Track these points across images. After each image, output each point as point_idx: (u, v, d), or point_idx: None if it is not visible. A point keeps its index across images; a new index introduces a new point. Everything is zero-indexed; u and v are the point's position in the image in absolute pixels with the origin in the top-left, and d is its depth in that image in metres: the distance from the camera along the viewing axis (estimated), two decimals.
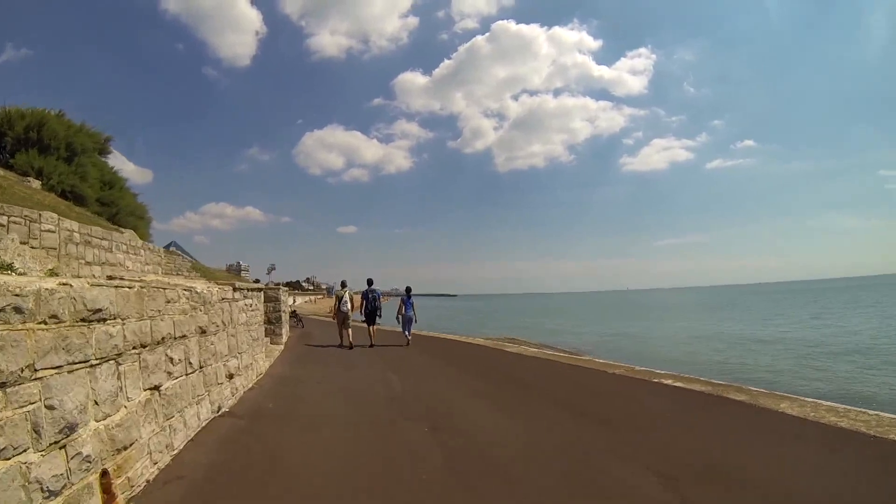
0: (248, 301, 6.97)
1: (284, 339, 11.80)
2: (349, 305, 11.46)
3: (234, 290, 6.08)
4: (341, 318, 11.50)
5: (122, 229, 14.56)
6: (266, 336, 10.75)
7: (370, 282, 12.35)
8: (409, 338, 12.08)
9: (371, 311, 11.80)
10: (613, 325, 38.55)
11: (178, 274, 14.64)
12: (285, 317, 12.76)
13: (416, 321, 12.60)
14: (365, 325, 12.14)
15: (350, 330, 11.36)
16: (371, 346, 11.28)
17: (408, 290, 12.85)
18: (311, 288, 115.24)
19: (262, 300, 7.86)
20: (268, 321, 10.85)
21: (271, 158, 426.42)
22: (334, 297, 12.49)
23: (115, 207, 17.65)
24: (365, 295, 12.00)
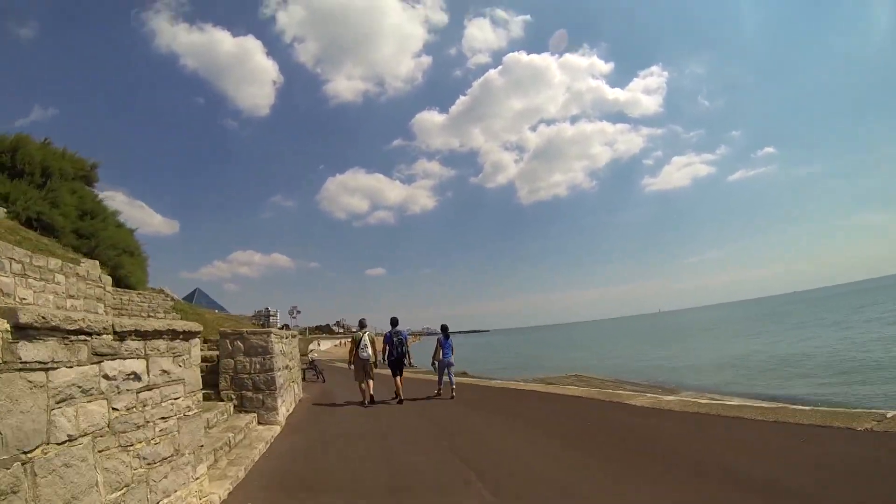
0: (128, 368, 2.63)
1: (284, 412, 7.36)
2: (369, 350, 9.12)
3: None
4: (360, 365, 9.07)
5: (83, 260, 10.91)
6: (247, 412, 6.36)
7: (394, 321, 9.79)
8: (454, 387, 9.67)
9: (397, 357, 9.49)
10: (675, 348, 36.29)
11: (149, 315, 10.95)
12: (290, 374, 8.45)
13: (454, 366, 10.08)
14: (389, 372, 9.75)
15: (371, 381, 9.12)
16: (399, 401, 9.09)
17: (444, 328, 10.21)
18: (342, 331, 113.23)
19: (192, 364, 3.20)
20: (243, 387, 6.56)
21: (295, 205, 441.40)
22: (350, 340, 9.61)
23: (94, 240, 14.27)
24: (388, 338, 9.66)
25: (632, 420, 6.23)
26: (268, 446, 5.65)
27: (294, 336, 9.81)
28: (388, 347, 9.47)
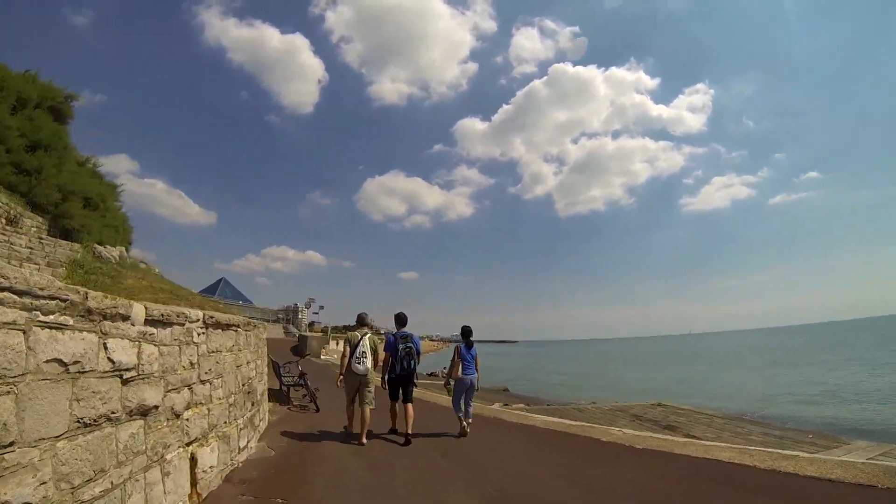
0: None
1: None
2: (368, 361, 5.84)
3: None
4: (354, 383, 5.85)
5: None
6: None
7: (401, 319, 6.30)
8: (469, 420, 6.44)
9: (404, 375, 6.06)
10: (738, 371, 34.07)
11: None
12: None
13: (477, 388, 6.73)
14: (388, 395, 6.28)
15: (368, 408, 5.77)
16: (406, 440, 5.76)
17: (466, 332, 6.81)
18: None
19: None
20: None
21: (333, 204, 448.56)
22: (345, 343, 6.11)
23: (36, 178, 10.54)
24: (390, 344, 6.13)
25: None
26: None
27: (254, 327, 5.32)
28: (390, 359, 6.13)
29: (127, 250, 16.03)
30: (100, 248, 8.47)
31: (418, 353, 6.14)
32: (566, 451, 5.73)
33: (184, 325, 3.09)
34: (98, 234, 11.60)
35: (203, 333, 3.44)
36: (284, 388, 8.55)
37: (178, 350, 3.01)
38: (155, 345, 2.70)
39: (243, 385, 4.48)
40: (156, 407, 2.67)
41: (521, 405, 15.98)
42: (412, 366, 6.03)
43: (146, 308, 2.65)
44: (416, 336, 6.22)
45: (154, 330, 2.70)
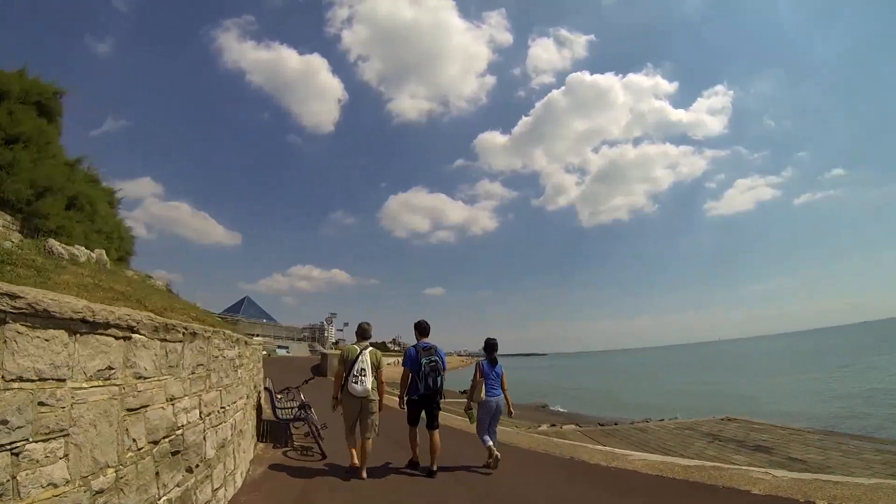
0: None
1: None
2: (368, 380, 4.91)
3: None
4: (353, 407, 4.97)
5: None
6: None
7: (423, 328, 5.44)
8: (497, 454, 5.27)
9: (429, 395, 5.19)
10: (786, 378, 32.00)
11: None
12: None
13: (506, 411, 5.54)
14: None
15: (371, 438, 4.93)
16: (429, 472, 5.08)
17: (490, 346, 5.66)
18: (398, 349, 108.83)
19: None
20: None
21: (356, 222, 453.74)
22: (339, 360, 5.21)
23: (7, 170, 9.11)
24: (411, 359, 5.28)
25: None
26: None
27: (206, 338, 3.31)
28: (410, 376, 5.28)
29: (126, 261, 14.61)
30: (54, 242, 6.80)
31: (444, 369, 5.24)
32: None
33: None
34: (82, 238, 10.03)
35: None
36: (282, 422, 6.47)
37: None
38: None
39: (155, 442, 2.41)
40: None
41: (573, 426, 13.46)
42: (439, 383, 5.14)
43: None
44: (442, 351, 5.34)
45: None
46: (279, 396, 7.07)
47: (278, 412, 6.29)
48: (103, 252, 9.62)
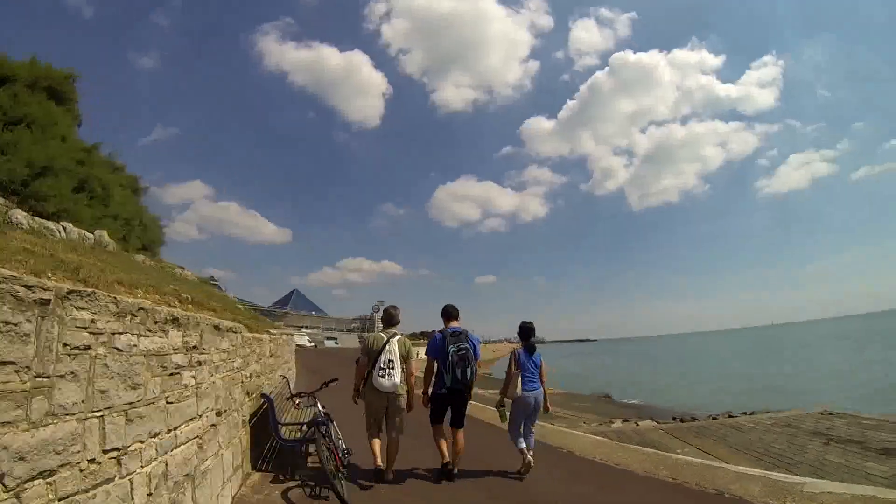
0: None
1: None
2: (397, 374, 4.29)
3: None
4: (378, 404, 4.37)
5: None
6: None
7: (450, 312, 4.75)
8: (531, 456, 4.66)
9: (457, 389, 4.46)
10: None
11: None
12: None
13: (544, 408, 4.88)
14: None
15: (398, 437, 4.36)
16: (448, 472, 4.44)
17: (526, 331, 4.96)
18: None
19: None
20: None
21: (406, 213, 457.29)
22: (362, 350, 4.53)
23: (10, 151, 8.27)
24: (435, 346, 4.59)
25: None
26: None
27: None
28: (436, 366, 4.51)
29: (151, 249, 13.86)
30: (20, 213, 5.68)
31: (476, 358, 4.51)
32: None
33: None
34: (92, 223, 9.13)
35: None
36: (285, 445, 4.69)
37: None
38: None
39: None
40: None
41: (650, 422, 11.13)
42: (469, 376, 4.39)
43: None
44: (475, 337, 4.61)
45: None
46: (297, 402, 5.51)
47: (282, 430, 4.54)
48: (104, 233, 8.65)
